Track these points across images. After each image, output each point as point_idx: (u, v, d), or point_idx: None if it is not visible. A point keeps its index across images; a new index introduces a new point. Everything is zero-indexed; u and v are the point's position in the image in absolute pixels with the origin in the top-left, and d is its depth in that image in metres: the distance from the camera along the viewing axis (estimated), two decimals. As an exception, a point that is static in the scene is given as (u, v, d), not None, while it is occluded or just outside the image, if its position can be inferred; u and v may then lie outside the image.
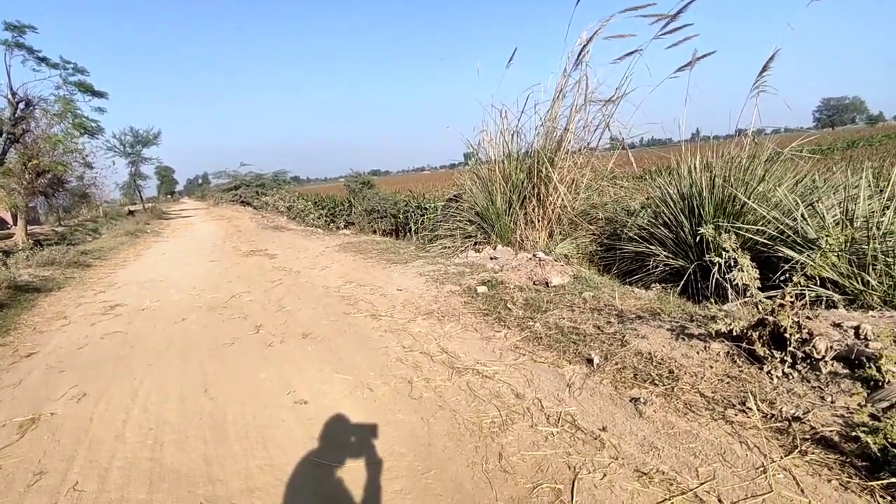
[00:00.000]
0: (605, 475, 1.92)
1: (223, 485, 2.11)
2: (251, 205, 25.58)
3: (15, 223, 14.91)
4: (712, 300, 3.84)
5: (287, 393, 2.91)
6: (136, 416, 2.75)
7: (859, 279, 3.49)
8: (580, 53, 6.32)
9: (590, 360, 2.81)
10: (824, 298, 3.59)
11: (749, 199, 4.36)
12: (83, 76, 15.49)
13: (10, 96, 13.60)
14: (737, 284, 2.62)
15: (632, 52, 6.00)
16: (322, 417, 2.60)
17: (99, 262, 9.18)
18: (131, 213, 29.32)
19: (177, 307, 5.20)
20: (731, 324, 2.56)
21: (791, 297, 2.48)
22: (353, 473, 2.11)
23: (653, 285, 4.70)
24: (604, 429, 2.23)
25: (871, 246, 3.51)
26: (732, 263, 2.61)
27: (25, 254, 8.67)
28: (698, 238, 4.63)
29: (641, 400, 2.37)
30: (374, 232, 13.78)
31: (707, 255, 4.49)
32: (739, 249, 2.59)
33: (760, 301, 2.53)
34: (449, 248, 6.76)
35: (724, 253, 2.65)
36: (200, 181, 63.07)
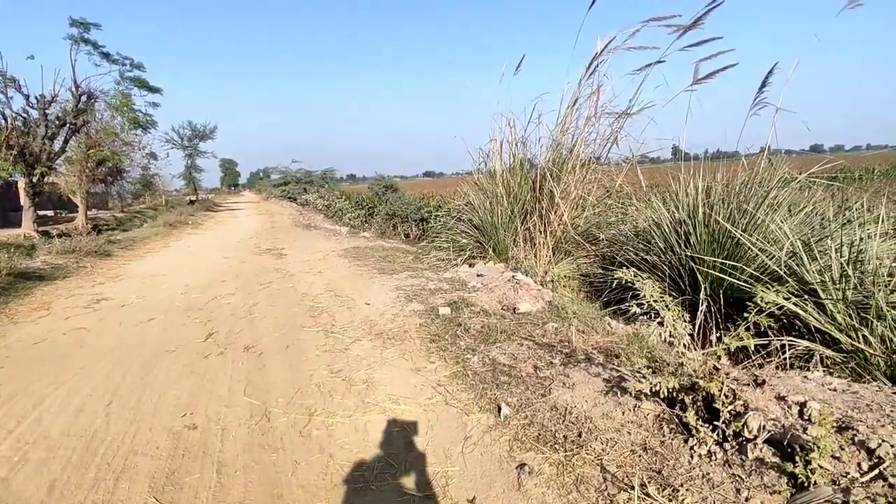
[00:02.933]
0: (438, 564, 1.62)
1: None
2: (296, 201, 26.23)
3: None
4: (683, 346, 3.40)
5: (183, 415, 2.75)
6: (26, 426, 2.67)
7: (858, 335, 2.96)
8: (594, 62, 5.89)
9: (500, 410, 2.49)
10: (815, 355, 3.08)
11: (751, 232, 3.85)
12: (140, 72, 16.32)
13: (73, 89, 14.42)
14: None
15: (651, 64, 5.53)
16: (200, 447, 2.43)
17: (122, 251, 9.52)
18: (192, 202, 30.83)
19: (154, 305, 5.22)
20: (656, 384, 2.18)
21: (726, 355, 2.07)
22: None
23: (640, 318, 4.26)
24: (472, 500, 1.92)
25: (877, 294, 2.97)
26: (654, 315, 2.22)
27: (47, 243, 9.08)
28: (690, 270, 4.17)
29: (528, 469, 2.03)
30: (407, 236, 13.67)
31: (700, 292, 4.04)
32: (667, 298, 2.20)
33: (689, 361, 2.13)
34: (443, 260, 6.50)
35: (643, 301, 2.26)
36: (261, 175, 65.61)
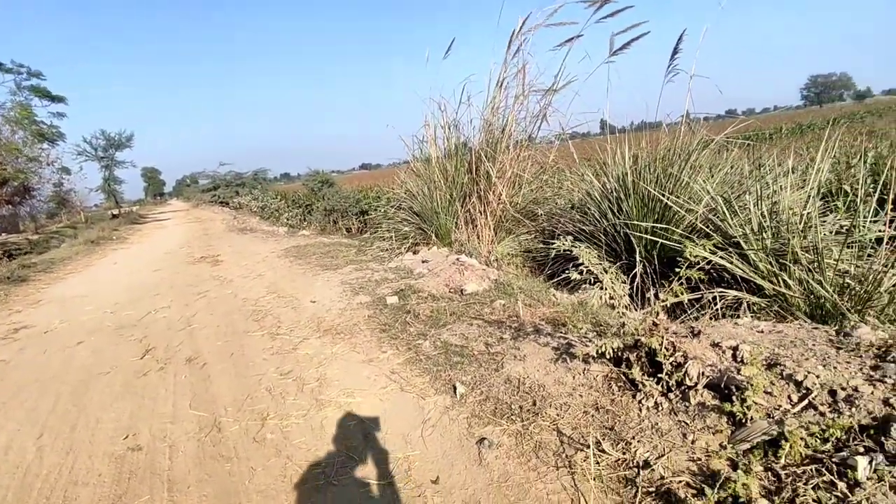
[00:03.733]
0: (407, 548, 1.62)
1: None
2: (228, 205, 25.17)
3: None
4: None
5: (125, 437, 2.59)
6: (-56, 472, 2.44)
7: (779, 280, 3.18)
8: (513, 41, 5.96)
9: (455, 390, 2.51)
10: (745, 303, 3.29)
11: (678, 193, 4.04)
12: (39, 80, 15.07)
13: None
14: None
15: (571, 39, 5.65)
16: (147, 468, 2.30)
17: (40, 275, 8.80)
18: (115, 216, 28.85)
19: (81, 328, 4.86)
20: (602, 346, 2.25)
21: (664, 311, 2.17)
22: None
23: (583, 286, 4.39)
24: (436, 480, 1.92)
25: (792, 242, 3.19)
26: (593, 280, 2.29)
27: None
28: (625, 235, 4.33)
29: (488, 442, 2.06)
30: (348, 231, 13.43)
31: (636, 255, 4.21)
32: (605, 263, 2.27)
33: (630, 320, 2.22)
34: (387, 250, 6.44)
35: (582, 268, 2.33)
36: (188, 182, 62.36)
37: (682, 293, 2.05)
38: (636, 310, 2.76)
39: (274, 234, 11.78)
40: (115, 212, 31.44)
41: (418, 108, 6.75)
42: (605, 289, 2.22)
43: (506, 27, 5.92)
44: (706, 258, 2.58)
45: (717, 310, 3.22)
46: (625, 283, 2.27)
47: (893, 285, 2.85)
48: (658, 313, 2.16)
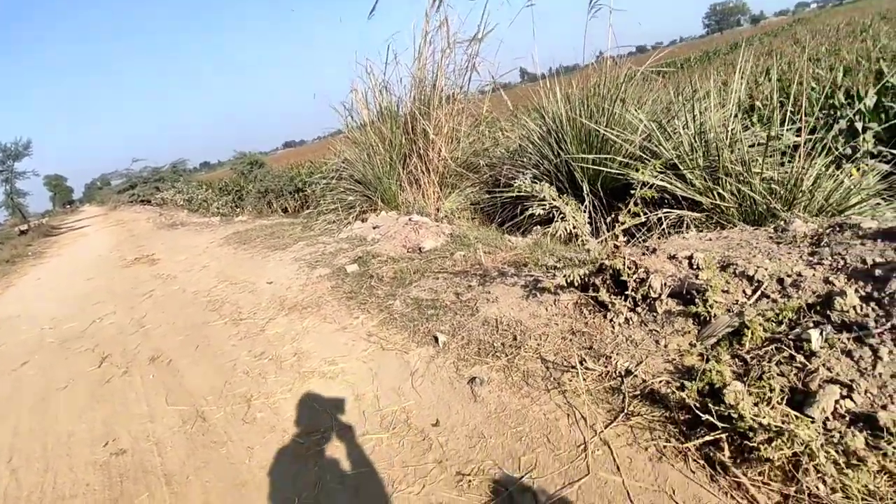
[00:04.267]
0: (423, 486, 1.69)
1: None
2: (150, 202, 23.67)
3: None
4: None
5: (105, 444, 2.50)
6: None
7: (714, 194, 3.42)
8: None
9: (437, 339, 2.57)
10: (686, 220, 3.52)
11: (611, 125, 4.19)
12: None
13: None
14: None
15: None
16: (138, 468, 2.24)
17: (-47, 303, 8.06)
18: (23, 232, 26.35)
19: (21, 348, 4.54)
20: (570, 274, 2.37)
21: (625, 233, 2.30)
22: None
23: (534, 229, 4.53)
24: (436, 423, 2.00)
25: (722, 157, 3.42)
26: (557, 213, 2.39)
27: None
28: (567, 173, 4.47)
29: (479, 380, 2.15)
30: (285, 211, 12.99)
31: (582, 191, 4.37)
32: (564, 197, 2.37)
33: (594, 246, 2.34)
34: (334, 222, 6.34)
35: (544, 202, 2.42)
36: (99, 185, 57.76)
37: (641, 213, 2.17)
38: (593, 237, 2.91)
39: (208, 225, 11.25)
40: (24, 227, 28.74)
41: (345, 74, 6.55)
42: (567, 220, 2.31)
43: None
44: (649, 182, 2.73)
45: (662, 229, 3.44)
46: (584, 212, 2.37)
47: (812, 184, 3.14)
48: (618, 236, 2.29)
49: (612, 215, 4.05)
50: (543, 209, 2.37)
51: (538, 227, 4.61)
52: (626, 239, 2.35)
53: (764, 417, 1.40)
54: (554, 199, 2.32)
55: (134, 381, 3.20)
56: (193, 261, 6.77)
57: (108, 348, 3.97)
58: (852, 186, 3.07)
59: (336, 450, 2.01)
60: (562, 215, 2.33)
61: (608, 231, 3.36)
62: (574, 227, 2.32)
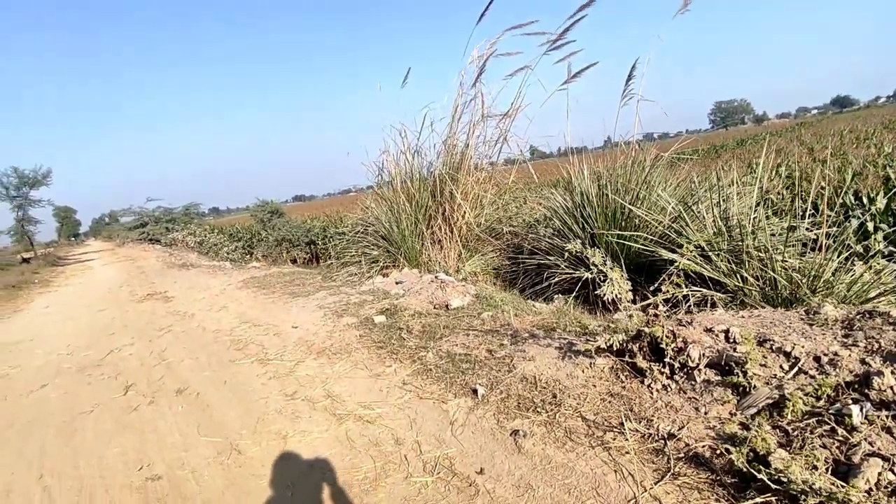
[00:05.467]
0: (474, 530, 1.73)
1: None
2: (161, 242, 23.94)
3: None
4: (599, 312, 3.85)
5: (139, 468, 2.52)
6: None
7: (738, 276, 3.58)
8: (471, 69, 6.33)
9: (475, 391, 2.65)
10: (709, 298, 3.66)
11: (637, 205, 4.43)
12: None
13: None
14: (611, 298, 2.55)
15: (522, 68, 6.09)
16: (176, 494, 2.26)
17: (-37, 323, 8.06)
18: (25, 260, 26.44)
19: (40, 372, 4.56)
20: (609, 339, 2.49)
21: (663, 303, 2.44)
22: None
23: (555, 297, 4.67)
24: (481, 471, 2.05)
25: (745, 243, 3.62)
26: (602, 278, 2.54)
27: None
28: (592, 245, 4.66)
29: (522, 433, 2.22)
30: (294, 262, 13.21)
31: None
32: (609, 262, 2.53)
33: (635, 313, 2.47)
34: (355, 275, 6.49)
35: (592, 267, 2.58)
36: (108, 220, 58.44)
37: (681, 285, 2.32)
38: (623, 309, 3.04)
39: (221, 269, 11.40)
40: (27, 255, 28.86)
41: (367, 137, 6.97)
42: (614, 285, 2.46)
43: (468, 55, 6.28)
44: (688, 267, 2.90)
45: (688, 307, 3.57)
46: (627, 280, 2.52)
47: (832, 275, 3.31)
48: (658, 305, 2.43)
49: (636, 289, 4.19)
50: (591, 273, 2.51)
51: (559, 294, 4.76)
52: (665, 309, 2.48)
53: (815, 482, 1.48)
54: (601, 265, 2.47)
55: (163, 410, 3.23)
56: (212, 301, 6.86)
57: (130, 378, 4.01)
58: (872, 281, 3.24)
59: (381, 490, 2.04)
60: (608, 280, 2.48)
61: (658, 294, 3.50)
62: (618, 293, 2.46)
